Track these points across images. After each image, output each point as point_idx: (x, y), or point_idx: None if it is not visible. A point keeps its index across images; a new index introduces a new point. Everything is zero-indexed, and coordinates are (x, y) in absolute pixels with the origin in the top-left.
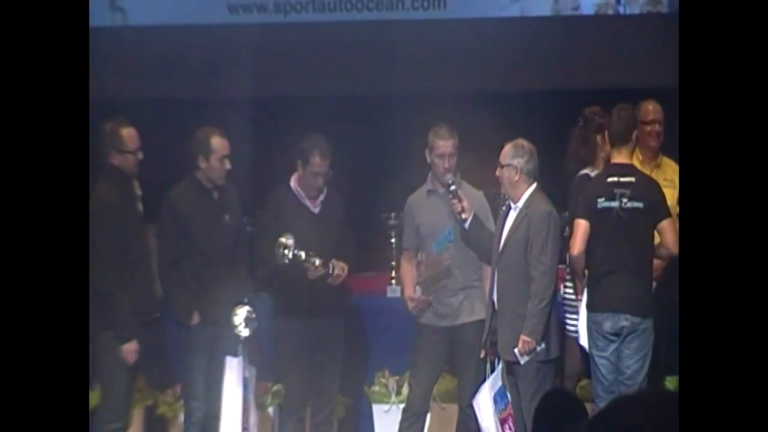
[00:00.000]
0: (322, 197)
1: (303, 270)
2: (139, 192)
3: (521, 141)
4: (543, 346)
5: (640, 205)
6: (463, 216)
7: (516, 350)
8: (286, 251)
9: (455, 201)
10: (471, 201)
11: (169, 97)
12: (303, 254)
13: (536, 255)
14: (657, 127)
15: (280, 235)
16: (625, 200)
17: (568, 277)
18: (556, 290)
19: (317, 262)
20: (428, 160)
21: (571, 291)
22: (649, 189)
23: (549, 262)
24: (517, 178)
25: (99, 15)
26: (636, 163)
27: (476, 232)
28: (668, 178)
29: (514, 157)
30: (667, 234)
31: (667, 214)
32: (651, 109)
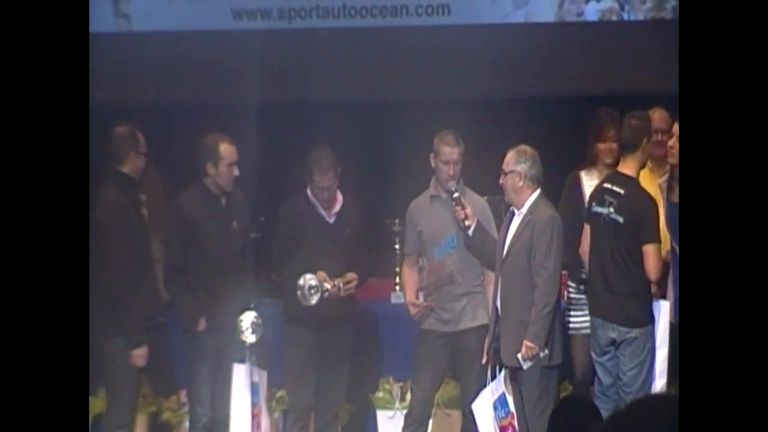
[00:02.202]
0: (337, 207)
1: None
2: (143, 197)
3: (524, 147)
4: (546, 352)
5: (620, 219)
6: (467, 223)
7: (519, 355)
8: (312, 291)
9: (458, 208)
10: (474, 207)
11: (173, 102)
12: (326, 291)
13: (539, 261)
14: (661, 137)
15: (300, 277)
16: (611, 210)
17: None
18: (560, 296)
19: (328, 285)
20: (433, 166)
21: (574, 289)
22: (635, 206)
23: (552, 268)
24: (521, 184)
25: (103, 21)
26: (645, 172)
27: (480, 239)
28: None
29: (518, 163)
30: (648, 259)
31: (651, 238)
32: (657, 117)
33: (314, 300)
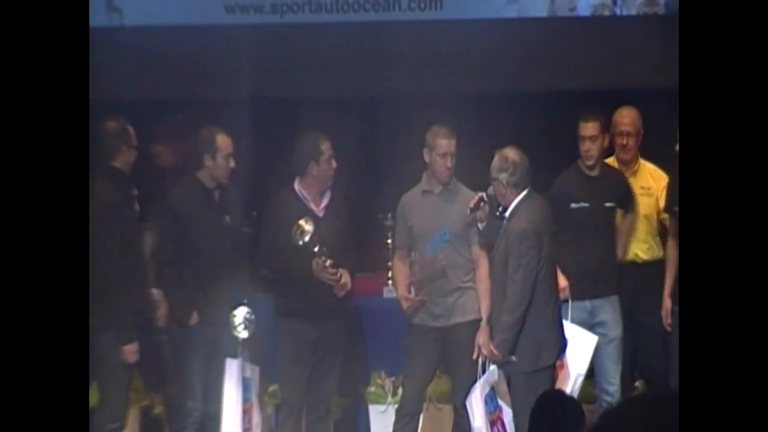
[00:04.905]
0: (326, 201)
1: (307, 268)
2: (135, 192)
3: (506, 152)
4: (514, 359)
5: None
6: (481, 215)
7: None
8: (302, 234)
9: (483, 204)
10: (467, 203)
11: (165, 97)
12: (317, 248)
13: (510, 273)
14: (626, 140)
15: (300, 218)
16: None
17: None
18: (558, 297)
19: (328, 261)
20: (427, 160)
21: None
22: None
23: (521, 281)
24: (504, 191)
25: (95, 15)
26: None
27: (492, 233)
28: (645, 185)
29: (500, 171)
30: None
31: None
32: (622, 120)
33: (302, 241)
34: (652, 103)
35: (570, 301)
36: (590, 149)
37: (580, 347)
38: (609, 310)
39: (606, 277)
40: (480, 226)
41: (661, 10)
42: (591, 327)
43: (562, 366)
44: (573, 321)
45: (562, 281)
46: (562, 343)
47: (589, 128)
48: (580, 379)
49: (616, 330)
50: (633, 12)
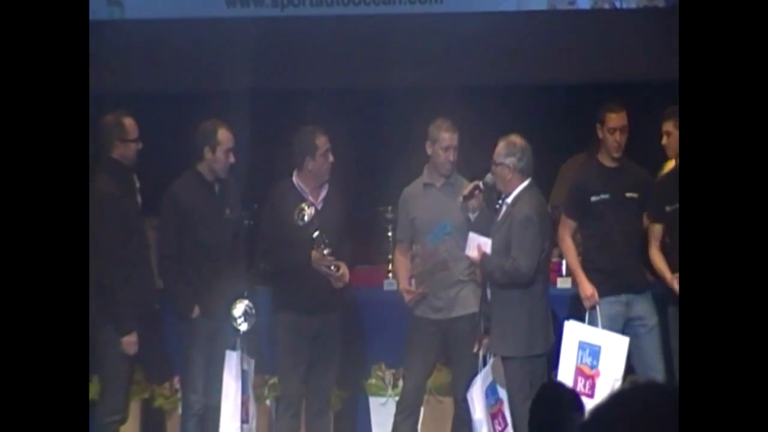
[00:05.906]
0: (324, 193)
1: (306, 259)
2: (137, 185)
3: (514, 138)
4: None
5: None
6: (473, 205)
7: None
8: (304, 216)
9: (477, 192)
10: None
11: (166, 90)
12: (316, 233)
13: (515, 256)
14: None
15: (303, 201)
16: None
17: None
18: (548, 284)
19: (326, 250)
20: (430, 153)
21: None
22: None
23: (525, 266)
24: (510, 176)
25: (97, 8)
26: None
27: (483, 223)
28: None
29: (507, 156)
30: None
31: None
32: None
33: (302, 221)
34: (651, 96)
35: (598, 308)
36: (620, 140)
37: (614, 351)
38: (644, 301)
39: (637, 269)
40: (471, 216)
41: (660, 3)
42: (628, 320)
43: (598, 374)
44: (609, 316)
45: (588, 288)
46: (553, 337)
47: (619, 119)
48: (618, 384)
49: (652, 318)
50: (632, 5)
